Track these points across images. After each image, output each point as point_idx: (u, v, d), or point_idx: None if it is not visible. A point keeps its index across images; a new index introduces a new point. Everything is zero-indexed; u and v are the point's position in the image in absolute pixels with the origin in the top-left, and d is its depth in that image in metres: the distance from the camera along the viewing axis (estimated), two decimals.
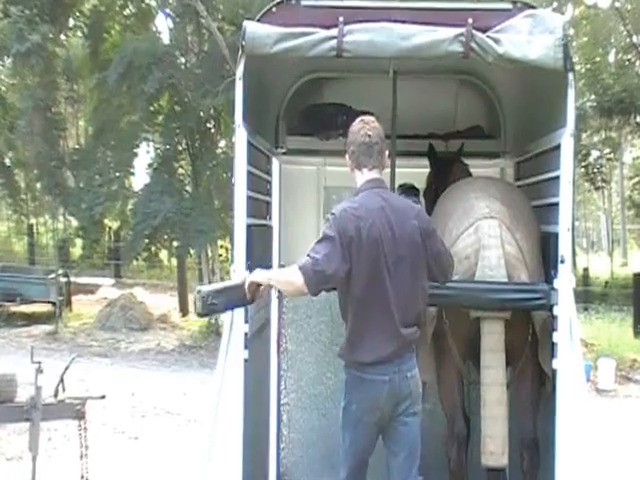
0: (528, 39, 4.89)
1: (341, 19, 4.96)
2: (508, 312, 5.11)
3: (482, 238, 5.10)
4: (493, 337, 5.02)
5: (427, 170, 7.14)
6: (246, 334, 5.21)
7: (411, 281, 4.63)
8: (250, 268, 5.21)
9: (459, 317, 5.21)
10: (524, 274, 5.11)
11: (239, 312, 5.18)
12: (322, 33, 4.98)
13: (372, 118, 4.86)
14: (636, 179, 33.18)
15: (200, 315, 4.99)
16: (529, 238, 5.30)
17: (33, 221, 37.16)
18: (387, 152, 4.84)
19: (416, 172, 7.21)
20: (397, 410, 4.69)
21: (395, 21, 4.96)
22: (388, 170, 6.69)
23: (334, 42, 4.97)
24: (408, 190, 6.90)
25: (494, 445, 5.02)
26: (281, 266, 6.82)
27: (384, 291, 4.59)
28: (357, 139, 4.75)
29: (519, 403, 5.68)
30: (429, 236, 4.69)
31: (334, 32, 4.96)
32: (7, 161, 31.97)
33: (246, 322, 5.21)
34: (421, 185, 7.04)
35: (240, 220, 5.23)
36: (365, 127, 4.75)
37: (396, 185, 6.83)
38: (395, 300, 4.59)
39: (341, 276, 4.55)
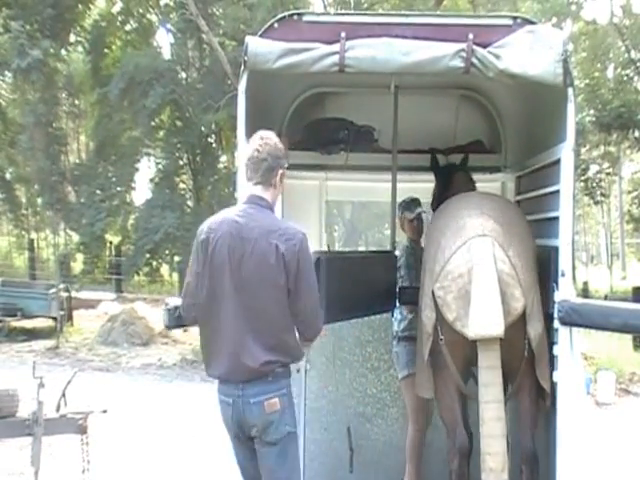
0: (528, 54, 4.93)
1: (343, 34, 4.99)
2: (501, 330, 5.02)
3: (475, 257, 5.05)
4: (489, 354, 4.96)
5: (428, 185, 7.18)
6: None
7: (266, 304, 4.41)
8: None
9: (455, 334, 5.13)
10: (517, 291, 5.05)
11: None
12: (324, 48, 5.01)
13: (271, 135, 4.72)
14: (635, 193, 33.22)
15: (168, 328, 5.01)
16: (523, 255, 5.24)
17: (34, 236, 37.18)
18: (281, 172, 4.67)
19: (417, 187, 7.25)
20: (250, 435, 4.54)
21: (396, 37, 4.99)
22: (388, 184, 6.75)
23: (336, 57, 5.01)
24: (410, 203, 6.94)
25: (494, 462, 4.96)
26: None
27: (228, 310, 4.41)
28: (248, 152, 4.67)
29: (518, 417, 5.70)
30: (292, 264, 4.41)
31: (336, 47, 5.00)
32: (8, 176, 32.02)
33: None
34: (425, 199, 7.07)
35: None
36: (258, 142, 4.64)
37: (398, 199, 6.87)
38: (242, 321, 4.39)
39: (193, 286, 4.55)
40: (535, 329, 5.17)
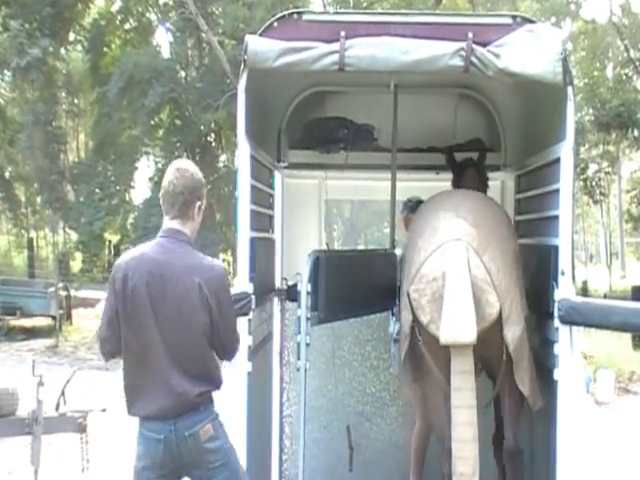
0: (528, 54, 4.93)
1: (343, 33, 4.99)
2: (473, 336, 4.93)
3: (448, 261, 5.03)
4: (461, 359, 4.93)
5: (428, 183, 7.18)
6: (249, 347, 5.24)
7: (191, 339, 4.36)
8: (253, 280, 5.25)
9: (432, 336, 5.09)
10: (492, 296, 5.04)
11: (243, 325, 5.20)
12: (324, 47, 5.01)
13: (188, 165, 4.61)
14: (634, 192, 33.29)
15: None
16: (500, 258, 5.19)
17: (33, 235, 37.18)
18: (198, 204, 4.55)
19: (417, 185, 7.25)
20: (179, 471, 4.46)
21: (396, 35, 5.00)
22: (387, 183, 6.75)
23: (336, 56, 5.01)
24: (416, 204, 6.88)
25: (464, 466, 4.94)
26: (283, 279, 6.84)
27: (153, 345, 4.33)
28: (164, 185, 4.54)
29: (501, 417, 5.77)
30: (213, 299, 4.36)
31: (336, 46, 5.00)
32: (7, 175, 32.01)
33: (250, 334, 5.23)
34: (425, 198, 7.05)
35: (244, 233, 5.26)
36: (174, 174, 4.50)
37: (397, 198, 6.86)
38: (168, 358, 4.33)
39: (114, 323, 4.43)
40: (512, 332, 5.14)
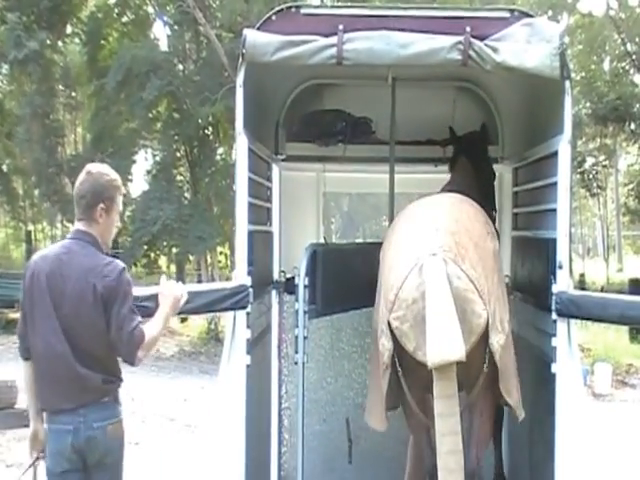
0: (525, 47, 4.94)
1: (341, 27, 5.01)
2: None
3: (426, 279, 4.68)
4: (445, 383, 4.57)
5: (425, 175, 7.19)
6: (248, 340, 5.25)
7: (89, 337, 4.47)
8: (251, 273, 5.26)
9: (417, 364, 4.72)
10: (478, 306, 4.71)
11: (241, 318, 5.22)
12: (322, 41, 5.03)
13: (98, 167, 4.72)
14: (631, 186, 33.29)
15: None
16: (480, 262, 4.91)
17: (31, 228, 37.15)
18: (101, 207, 4.59)
19: (415, 178, 7.27)
20: (86, 462, 4.54)
21: (394, 29, 5.01)
22: (385, 175, 6.76)
23: (334, 50, 5.03)
24: None
25: None
26: (281, 272, 6.86)
27: (56, 342, 4.45)
28: (75, 187, 4.68)
29: (466, 433, 5.21)
30: (110, 300, 4.43)
31: (334, 40, 5.02)
32: (5, 168, 31.98)
33: (248, 328, 5.25)
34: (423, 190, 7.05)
35: (241, 226, 5.27)
36: (82, 177, 4.62)
37: (395, 190, 6.86)
38: (72, 352, 4.44)
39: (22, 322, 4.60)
40: (498, 340, 4.84)
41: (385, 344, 4.90)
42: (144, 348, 4.47)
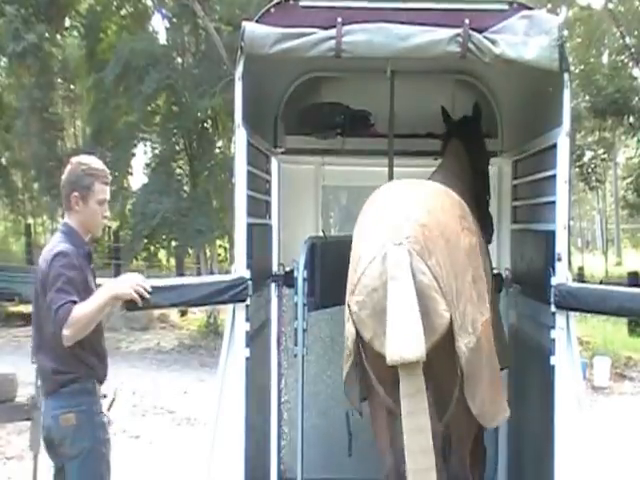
0: (524, 40, 4.95)
1: (339, 19, 5.01)
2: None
3: (389, 269, 4.45)
4: (411, 380, 4.34)
5: (424, 169, 7.19)
6: (247, 333, 5.26)
7: (42, 322, 4.67)
8: (251, 266, 5.27)
9: (377, 353, 4.52)
10: (441, 305, 4.47)
11: (240, 311, 5.23)
12: (321, 34, 5.03)
13: (77, 159, 4.85)
14: (630, 179, 33.21)
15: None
16: (449, 259, 4.64)
17: (31, 221, 37.13)
18: (75, 195, 4.73)
19: (414, 171, 7.26)
20: (55, 450, 4.73)
21: (393, 22, 5.01)
22: (384, 169, 6.76)
23: (333, 42, 5.03)
24: None
25: None
26: (280, 265, 6.87)
27: (34, 333, 4.78)
28: None
29: (447, 451, 5.12)
30: (44, 286, 4.62)
31: (332, 32, 5.02)
32: (4, 161, 31.94)
33: (247, 320, 5.25)
34: None
35: (240, 219, 5.27)
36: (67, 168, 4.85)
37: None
38: (37, 342, 4.74)
39: None
40: (466, 343, 4.60)
41: (349, 329, 4.73)
42: (69, 326, 4.49)
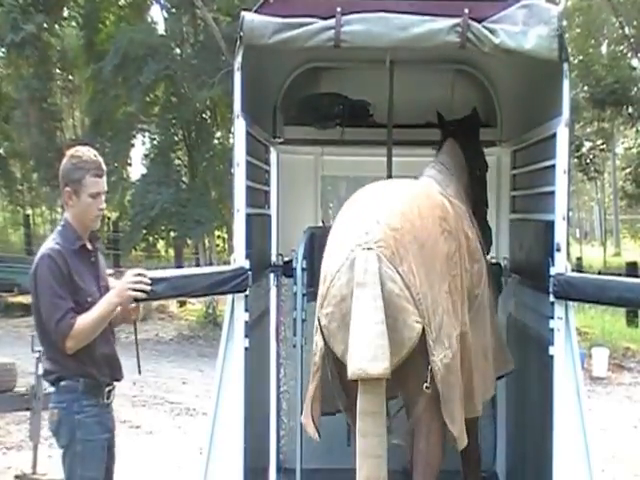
0: (523, 29, 4.93)
1: (339, 9, 4.99)
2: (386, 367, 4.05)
3: (356, 275, 4.15)
4: (369, 399, 4.06)
5: (423, 159, 7.17)
6: (246, 323, 5.26)
7: (36, 323, 4.73)
8: (250, 256, 5.26)
9: (342, 366, 4.22)
10: (412, 317, 4.19)
11: (240, 301, 5.23)
12: (320, 24, 5.01)
13: (70, 154, 4.75)
14: (628, 170, 33.25)
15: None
16: (423, 266, 4.35)
17: (30, 212, 37.16)
18: (67, 190, 4.68)
19: (412, 161, 7.26)
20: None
21: (392, 11, 5.00)
22: (383, 159, 6.76)
23: (332, 32, 5.01)
24: None
25: None
26: (279, 255, 6.87)
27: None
28: None
29: (413, 460, 4.77)
30: (32, 285, 4.63)
31: (332, 22, 5.00)
32: (2, 152, 31.95)
33: (246, 311, 5.26)
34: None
35: (240, 210, 5.27)
36: None
37: (393, 174, 6.85)
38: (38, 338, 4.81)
39: None
40: (442, 358, 4.33)
41: (317, 341, 4.43)
42: (72, 338, 4.53)
